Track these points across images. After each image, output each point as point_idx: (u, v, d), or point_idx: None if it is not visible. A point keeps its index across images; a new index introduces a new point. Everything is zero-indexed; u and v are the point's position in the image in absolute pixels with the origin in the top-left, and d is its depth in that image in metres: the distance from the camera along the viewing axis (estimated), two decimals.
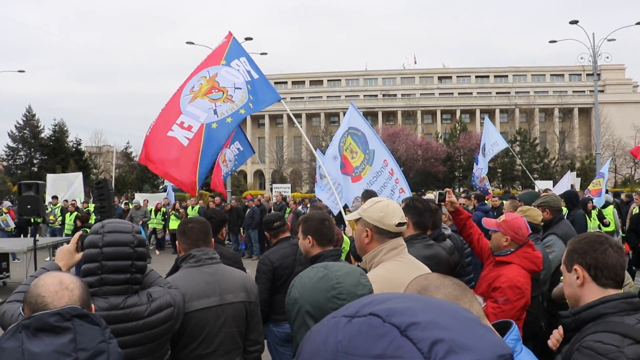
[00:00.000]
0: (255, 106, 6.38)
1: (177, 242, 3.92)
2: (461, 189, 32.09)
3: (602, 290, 2.33)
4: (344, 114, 9.21)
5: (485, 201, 13.22)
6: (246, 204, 19.98)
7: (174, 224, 18.96)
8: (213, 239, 4.96)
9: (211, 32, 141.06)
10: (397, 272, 2.92)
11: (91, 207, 18.61)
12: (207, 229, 3.69)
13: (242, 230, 18.95)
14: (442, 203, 4.44)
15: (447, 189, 4.52)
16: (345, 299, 1.94)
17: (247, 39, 31.04)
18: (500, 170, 53.96)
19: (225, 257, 4.79)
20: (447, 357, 0.76)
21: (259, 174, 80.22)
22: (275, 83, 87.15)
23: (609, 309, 2.24)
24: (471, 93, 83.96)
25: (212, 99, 6.39)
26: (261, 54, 34.74)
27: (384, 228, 3.01)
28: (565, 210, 9.64)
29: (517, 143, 58.06)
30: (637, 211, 12.27)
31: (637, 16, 32.98)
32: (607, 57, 31.43)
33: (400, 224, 3.03)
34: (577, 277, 2.39)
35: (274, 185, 32.60)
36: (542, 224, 5.40)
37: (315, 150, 10.87)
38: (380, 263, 2.98)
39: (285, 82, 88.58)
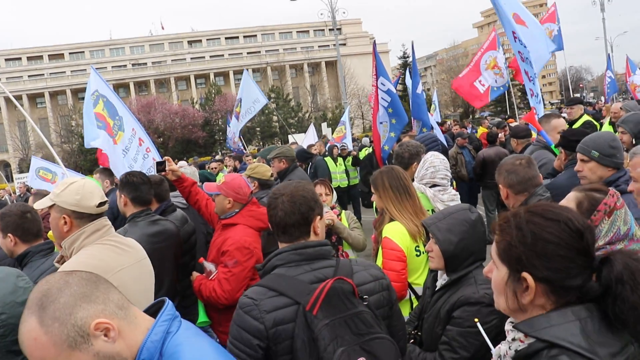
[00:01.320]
0: None
1: None
2: (221, 152, 32.21)
3: (282, 246, 2.36)
4: None
5: (245, 161, 13.50)
6: None
7: None
8: None
9: None
10: (101, 256, 2.68)
11: None
12: None
13: None
14: (163, 173, 4.22)
15: (167, 157, 4.30)
16: (3, 313, 1.67)
17: None
18: (258, 128, 55.40)
19: None
20: None
21: (3, 165, 71.66)
22: (7, 60, 78.02)
23: (278, 261, 2.27)
24: (223, 55, 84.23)
25: None
26: None
27: (84, 211, 2.74)
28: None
29: (272, 100, 60.18)
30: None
31: None
32: (344, 13, 33.99)
33: (101, 204, 2.79)
34: None
35: (16, 176, 29.29)
36: (273, 178, 5.48)
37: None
38: (81, 248, 2.71)
39: (19, 59, 79.36)
